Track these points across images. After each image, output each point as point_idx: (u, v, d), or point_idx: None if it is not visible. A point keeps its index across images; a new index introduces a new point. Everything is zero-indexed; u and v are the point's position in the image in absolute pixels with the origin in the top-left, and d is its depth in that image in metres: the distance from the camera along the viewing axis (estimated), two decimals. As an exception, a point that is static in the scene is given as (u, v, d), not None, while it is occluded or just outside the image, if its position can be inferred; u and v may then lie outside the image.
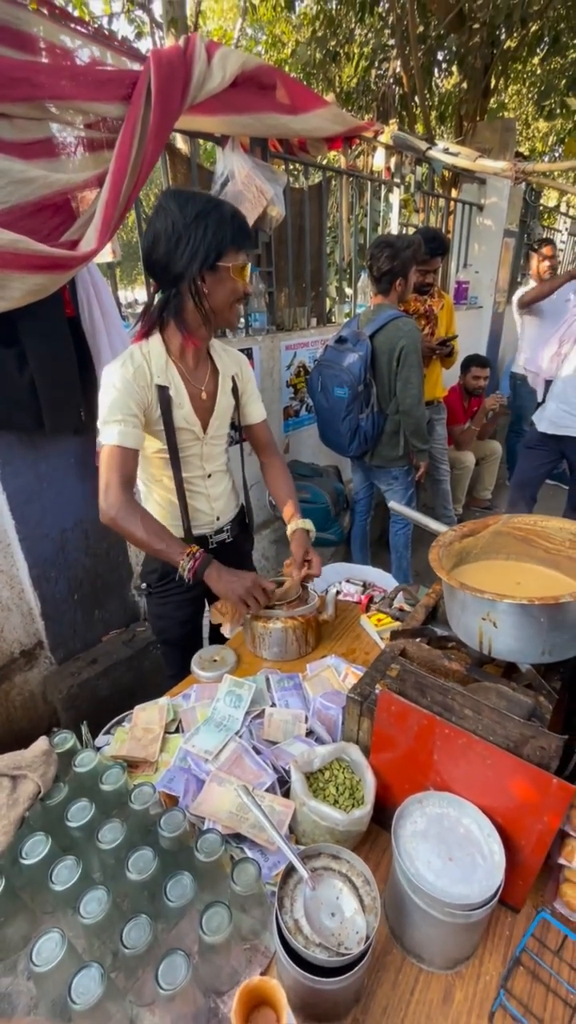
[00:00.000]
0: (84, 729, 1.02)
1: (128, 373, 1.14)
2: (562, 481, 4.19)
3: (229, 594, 1.19)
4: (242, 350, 1.50)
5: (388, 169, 3.58)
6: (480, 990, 0.68)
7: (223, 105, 1.86)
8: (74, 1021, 0.59)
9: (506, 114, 7.67)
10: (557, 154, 9.07)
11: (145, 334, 1.21)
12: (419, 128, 5.34)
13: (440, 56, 5.81)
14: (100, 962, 0.58)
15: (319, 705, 1.08)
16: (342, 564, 1.91)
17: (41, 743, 0.88)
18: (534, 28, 5.18)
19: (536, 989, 0.68)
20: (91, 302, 1.66)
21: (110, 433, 1.12)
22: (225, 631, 1.28)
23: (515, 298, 3.59)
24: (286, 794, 0.88)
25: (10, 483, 1.67)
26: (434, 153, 3.60)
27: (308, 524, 1.39)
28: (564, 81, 6.02)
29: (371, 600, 1.44)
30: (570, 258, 7.78)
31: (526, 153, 6.21)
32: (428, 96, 5.81)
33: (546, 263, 3.55)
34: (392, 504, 1.45)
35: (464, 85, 5.54)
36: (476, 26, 4.86)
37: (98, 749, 0.99)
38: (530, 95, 7.72)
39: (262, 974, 0.68)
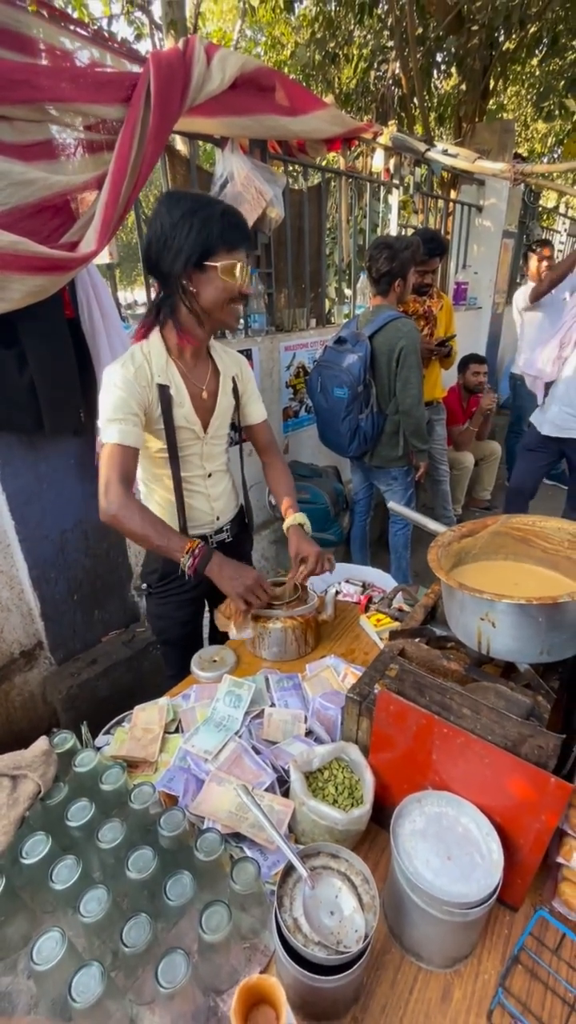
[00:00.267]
0: (84, 729, 1.02)
1: (129, 373, 1.15)
2: (561, 481, 4.20)
3: (230, 591, 1.19)
4: (241, 351, 1.50)
5: (387, 170, 3.59)
6: (479, 989, 0.68)
7: (222, 107, 1.87)
8: (74, 1020, 0.59)
9: (505, 115, 7.70)
10: (556, 155, 9.09)
11: (144, 334, 1.22)
12: (418, 129, 5.35)
13: (439, 58, 5.82)
14: (100, 961, 0.58)
15: (318, 705, 1.08)
16: (341, 564, 1.91)
17: (41, 743, 0.88)
18: (533, 30, 5.20)
19: (534, 987, 0.68)
20: (91, 303, 1.66)
21: (111, 432, 1.12)
22: (232, 634, 1.28)
23: (517, 298, 3.58)
24: (285, 794, 0.88)
25: (10, 484, 1.67)
26: (433, 154, 3.61)
27: (301, 518, 1.39)
28: (563, 82, 6.04)
29: (370, 600, 1.44)
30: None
31: (525, 154, 6.20)
32: (427, 97, 5.83)
33: (545, 264, 3.56)
34: (391, 504, 1.45)
35: (463, 86, 5.55)
36: (475, 28, 4.87)
37: (98, 749, 1.00)
38: (529, 96, 7.75)
39: (261, 973, 0.68)
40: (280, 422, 2.97)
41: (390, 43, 5.52)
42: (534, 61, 6.30)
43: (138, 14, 5.35)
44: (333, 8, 5.99)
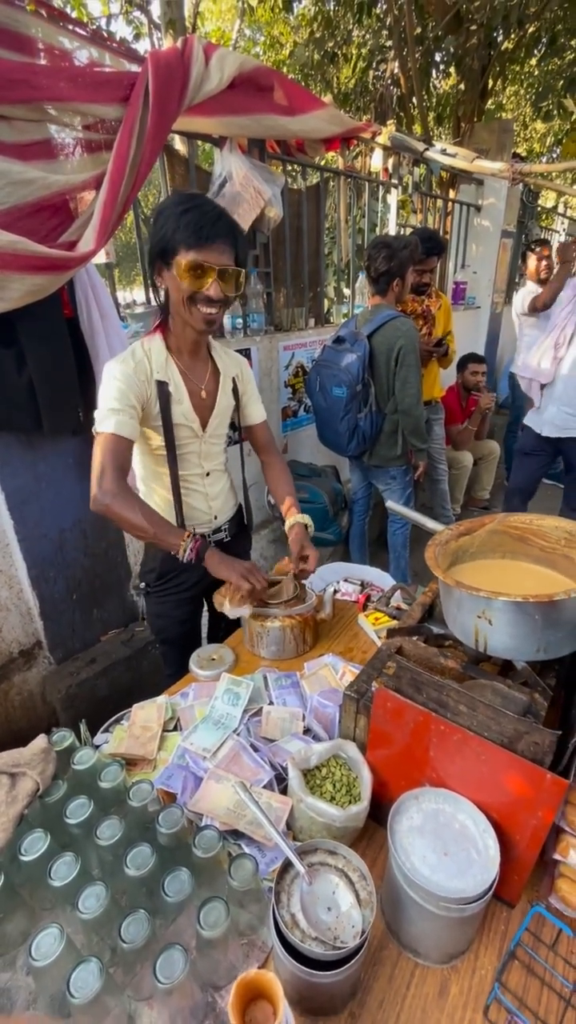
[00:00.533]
0: (83, 727, 1.03)
1: (129, 368, 1.16)
2: (558, 480, 4.20)
3: (230, 573, 1.19)
4: (240, 350, 1.50)
5: (386, 170, 3.59)
6: (475, 984, 0.69)
7: (221, 106, 1.87)
8: (73, 1015, 0.59)
9: (503, 115, 7.70)
10: (555, 155, 9.10)
11: (158, 327, 1.26)
12: (417, 129, 5.36)
13: (438, 57, 5.83)
14: (99, 957, 0.59)
15: (316, 703, 1.08)
16: (340, 563, 1.92)
17: (40, 741, 0.88)
18: (531, 29, 5.20)
19: (531, 983, 0.69)
20: (89, 303, 1.66)
21: (108, 421, 1.13)
22: (226, 610, 1.26)
23: (519, 302, 3.55)
24: (283, 791, 0.88)
25: (8, 483, 1.67)
26: (432, 154, 3.61)
27: (306, 519, 1.40)
28: (561, 82, 6.04)
29: (368, 599, 1.45)
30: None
31: (523, 154, 6.21)
32: (426, 97, 5.84)
33: (543, 263, 3.56)
34: (390, 504, 1.45)
35: (462, 86, 5.56)
36: (473, 27, 4.87)
37: (97, 747, 1.00)
38: (527, 96, 7.75)
39: (259, 968, 0.69)
40: (279, 422, 2.97)
41: (389, 43, 5.52)
42: (533, 61, 6.30)
43: (137, 13, 5.36)
44: (332, 8, 6.00)
